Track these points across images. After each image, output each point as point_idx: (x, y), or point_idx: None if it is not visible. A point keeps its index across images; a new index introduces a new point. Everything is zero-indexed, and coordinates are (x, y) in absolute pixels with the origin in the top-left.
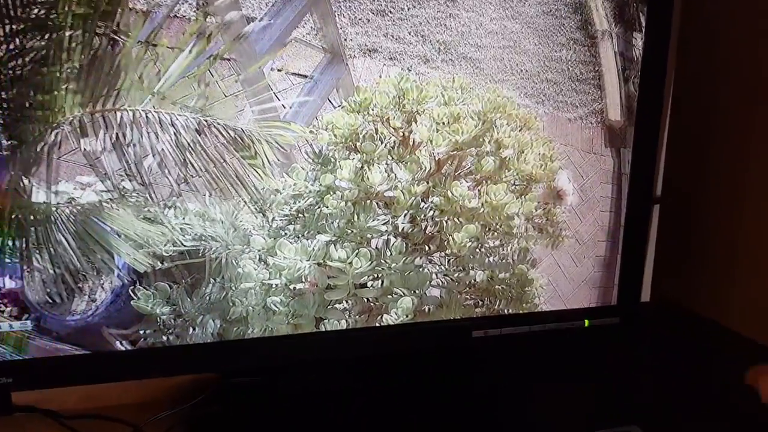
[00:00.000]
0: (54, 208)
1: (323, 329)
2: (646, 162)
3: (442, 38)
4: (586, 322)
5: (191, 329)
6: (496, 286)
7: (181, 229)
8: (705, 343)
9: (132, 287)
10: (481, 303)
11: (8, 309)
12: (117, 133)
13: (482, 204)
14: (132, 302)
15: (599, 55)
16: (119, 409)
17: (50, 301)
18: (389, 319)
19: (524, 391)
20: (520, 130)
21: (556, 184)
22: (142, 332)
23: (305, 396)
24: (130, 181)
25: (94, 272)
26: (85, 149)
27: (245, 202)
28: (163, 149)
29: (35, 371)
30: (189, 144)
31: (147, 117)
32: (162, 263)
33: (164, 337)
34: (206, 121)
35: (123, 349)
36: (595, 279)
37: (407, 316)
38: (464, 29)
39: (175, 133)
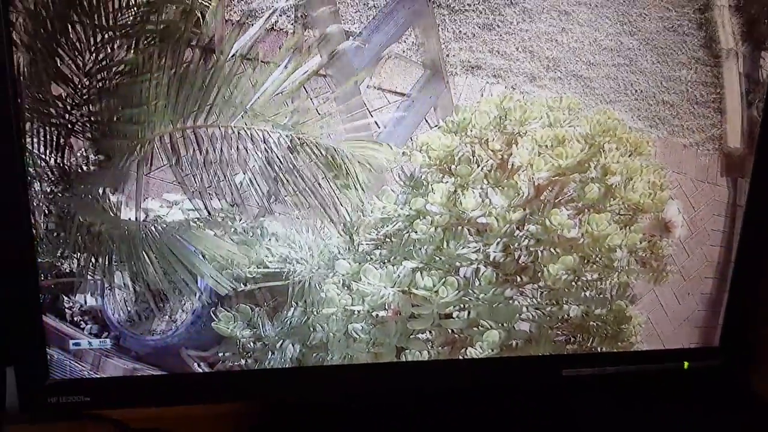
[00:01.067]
0: (139, 226)
1: (404, 359)
2: (765, 194)
3: (552, 54)
4: (686, 364)
5: (270, 353)
6: (591, 323)
7: (267, 249)
8: None
9: (213, 309)
10: (573, 340)
11: (88, 326)
12: (207, 150)
13: (582, 234)
14: (212, 324)
15: (722, 76)
16: (183, 421)
17: (130, 320)
18: (473, 352)
19: None
20: (629, 156)
21: (665, 214)
22: (221, 355)
23: (377, 424)
24: (218, 200)
25: (176, 292)
26: (173, 166)
27: (334, 223)
28: (253, 167)
29: (113, 391)
30: (280, 162)
31: (239, 134)
32: (245, 285)
33: (243, 361)
34: (299, 138)
35: (201, 371)
36: (697, 318)
37: (493, 350)
38: (577, 45)
39: (266, 149)
